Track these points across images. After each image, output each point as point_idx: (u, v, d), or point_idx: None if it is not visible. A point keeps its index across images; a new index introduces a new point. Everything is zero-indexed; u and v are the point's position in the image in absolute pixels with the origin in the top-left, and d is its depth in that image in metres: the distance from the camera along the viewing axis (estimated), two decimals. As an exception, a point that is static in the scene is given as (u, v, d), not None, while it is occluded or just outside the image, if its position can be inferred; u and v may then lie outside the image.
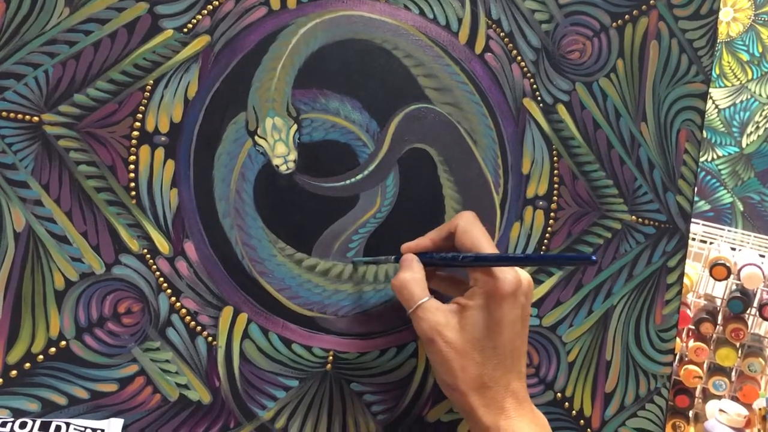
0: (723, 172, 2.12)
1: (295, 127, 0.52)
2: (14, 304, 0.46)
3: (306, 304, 0.52)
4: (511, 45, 0.57)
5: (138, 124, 0.49)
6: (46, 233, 0.47)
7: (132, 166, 0.49)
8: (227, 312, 0.50)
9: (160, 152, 0.49)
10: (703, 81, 0.61)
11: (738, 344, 1.34)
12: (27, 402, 0.46)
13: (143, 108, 0.49)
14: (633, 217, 0.59)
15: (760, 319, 1.35)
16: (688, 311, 1.35)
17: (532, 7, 0.57)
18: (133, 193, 0.49)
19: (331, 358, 0.52)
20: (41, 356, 0.47)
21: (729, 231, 1.62)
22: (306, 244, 0.52)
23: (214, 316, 0.50)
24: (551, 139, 0.57)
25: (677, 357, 1.37)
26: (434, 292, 0.48)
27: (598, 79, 0.59)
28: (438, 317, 0.46)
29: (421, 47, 0.55)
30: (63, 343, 0.47)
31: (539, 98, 0.57)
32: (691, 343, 1.34)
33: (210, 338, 0.50)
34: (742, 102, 2.10)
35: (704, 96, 0.61)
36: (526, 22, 0.57)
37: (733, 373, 1.39)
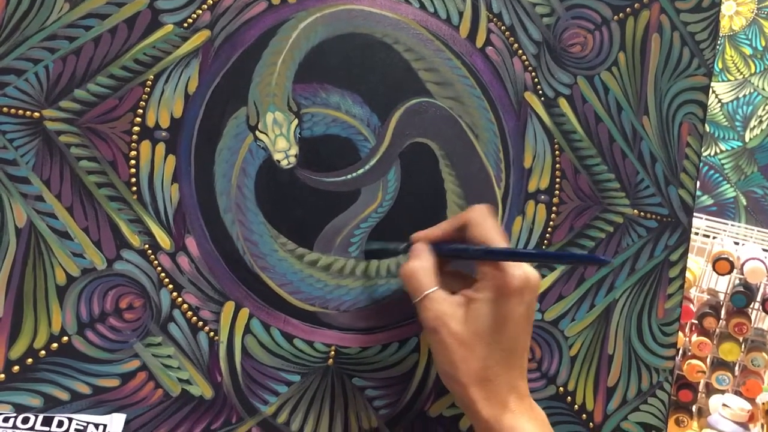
0: (726, 166, 2.12)
1: (295, 121, 0.52)
2: (16, 299, 0.47)
3: (308, 299, 0.52)
4: (512, 38, 0.56)
5: (138, 119, 0.49)
6: (48, 229, 0.47)
7: (133, 162, 0.49)
8: (229, 307, 0.50)
9: (160, 147, 0.49)
10: (705, 74, 0.61)
11: (741, 339, 1.33)
12: (29, 397, 0.46)
13: (144, 103, 0.49)
14: (635, 210, 0.59)
15: (763, 314, 1.35)
16: (691, 306, 1.35)
17: (534, 1, 0.57)
18: (134, 188, 0.49)
19: (332, 353, 0.52)
20: (43, 352, 0.47)
21: (732, 225, 1.62)
22: (307, 239, 0.52)
23: (216, 311, 0.50)
24: (553, 133, 0.57)
25: (680, 352, 1.37)
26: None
27: (599, 73, 0.58)
28: (444, 307, 0.45)
29: (421, 41, 0.54)
30: (65, 338, 0.47)
31: (541, 92, 0.57)
32: (695, 337, 1.34)
33: (212, 333, 0.50)
34: (745, 96, 2.09)
35: (706, 89, 0.61)
36: (527, 15, 0.57)
37: (737, 368, 1.39)
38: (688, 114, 0.60)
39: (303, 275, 0.52)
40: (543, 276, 0.57)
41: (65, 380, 0.47)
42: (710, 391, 1.39)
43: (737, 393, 1.34)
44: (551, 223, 0.57)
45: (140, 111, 0.49)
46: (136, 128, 0.49)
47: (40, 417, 0.45)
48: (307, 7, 0.52)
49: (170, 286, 0.49)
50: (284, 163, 0.51)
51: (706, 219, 1.59)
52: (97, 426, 0.46)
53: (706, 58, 0.61)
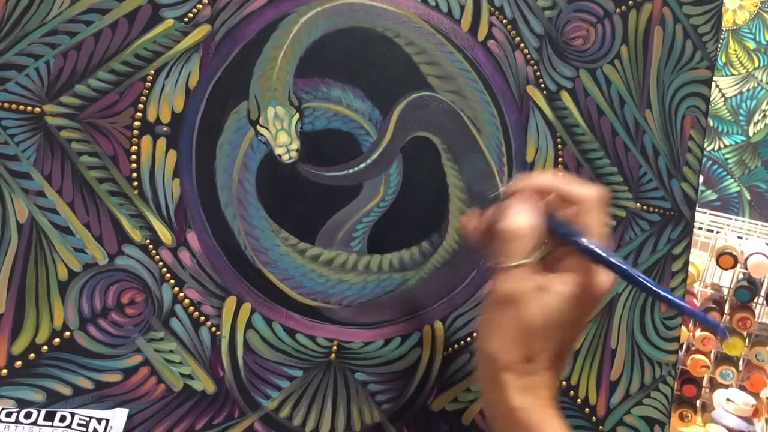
0: (730, 161, 2.11)
1: (297, 116, 0.52)
2: (18, 295, 0.47)
3: (310, 294, 0.52)
4: (514, 32, 0.56)
5: (139, 114, 0.49)
6: (49, 224, 0.47)
7: (134, 157, 0.49)
8: (231, 302, 0.50)
9: (161, 142, 0.49)
10: (708, 67, 0.60)
11: (745, 333, 1.33)
12: (32, 392, 0.46)
13: (144, 98, 0.49)
14: (638, 204, 0.59)
15: (768, 308, 1.35)
16: (694, 300, 1.34)
17: (535, -6, 0.57)
18: (135, 183, 0.49)
19: (335, 347, 0.52)
20: (45, 347, 0.47)
21: (736, 220, 1.61)
22: (309, 234, 0.52)
23: (218, 306, 0.50)
24: (555, 127, 0.57)
25: (684, 346, 1.36)
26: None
27: (602, 66, 0.58)
28: (528, 285, 0.41)
29: (423, 35, 0.54)
30: (67, 333, 0.47)
31: (543, 85, 0.57)
32: (698, 332, 1.34)
33: (213, 328, 0.50)
34: (748, 90, 2.09)
35: (709, 82, 0.61)
36: (529, 8, 0.56)
37: (741, 363, 1.39)
38: (690, 107, 0.60)
39: (305, 270, 0.52)
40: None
41: (67, 375, 0.47)
42: (714, 385, 1.39)
43: (741, 388, 1.34)
44: (554, 217, 0.57)
45: (141, 106, 0.49)
46: (137, 123, 0.49)
47: (43, 412, 0.45)
48: (308, 1, 0.52)
49: (172, 281, 0.49)
50: (285, 157, 0.51)
51: (710, 214, 1.59)
52: (99, 421, 0.46)
53: (709, 50, 0.60)
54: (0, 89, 0.47)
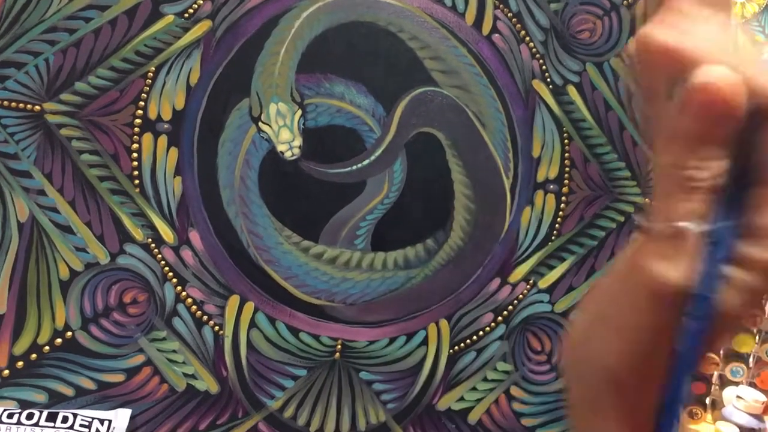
0: (739, 156, 2.09)
1: (299, 112, 0.51)
2: (19, 295, 0.46)
3: (313, 293, 0.51)
4: (519, 25, 0.55)
5: (140, 111, 0.48)
6: (50, 223, 0.47)
7: (135, 155, 0.48)
8: (233, 301, 0.50)
9: (163, 140, 0.49)
10: (718, 59, 0.59)
11: (755, 330, 1.32)
12: (34, 393, 0.46)
13: (145, 95, 0.48)
14: (646, 199, 0.58)
15: (778, 304, 1.34)
16: (704, 297, 1.33)
17: (541, -13, 0.56)
18: (137, 181, 0.48)
19: (339, 346, 0.52)
20: (47, 347, 0.46)
21: (745, 215, 1.60)
22: (312, 232, 0.51)
23: (221, 305, 0.49)
24: (562, 122, 0.56)
25: (693, 343, 1.35)
26: None
27: (609, 59, 0.57)
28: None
29: (426, 29, 0.53)
30: (69, 333, 0.47)
31: (549, 80, 0.56)
32: (708, 329, 1.32)
33: (216, 327, 0.49)
34: (758, 84, 2.07)
35: (719, 75, 0.59)
36: (534, 1, 0.56)
37: (751, 360, 1.38)
38: (700, 100, 0.59)
39: (308, 268, 0.51)
40: (552, 267, 0.56)
41: (70, 376, 0.47)
42: (724, 383, 1.38)
43: (751, 385, 1.33)
44: (561, 213, 0.56)
45: (142, 103, 0.48)
46: (138, 121, 0.48)
47: (45, 413, 0.45)
48: (310, -5, 0.51)
49: (174, 280, 0.49)
50: (288, 154, 0.51)
51: (719, 209, 1.57)
52: (102, 421, 0.46)
53: (719, 43, 0.59)
54: (-1, 87, 0.46)
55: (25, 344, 0.46)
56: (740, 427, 1.21)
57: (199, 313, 0.49)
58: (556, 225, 0.56)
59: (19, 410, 0.45)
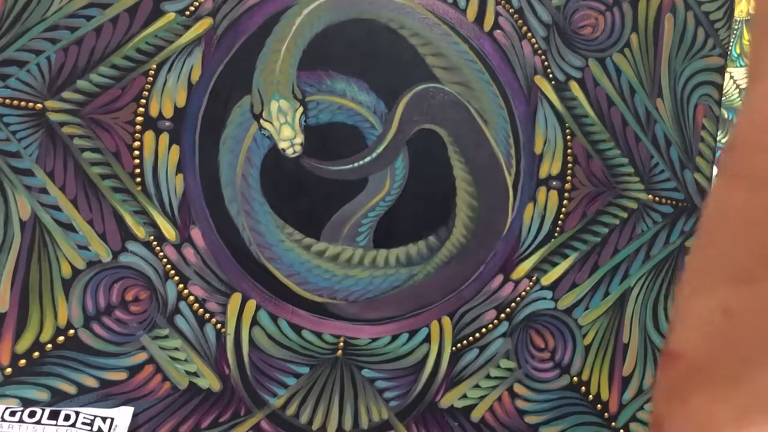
0: (744, 153, 2.08)
1: (300, 109, 0.51)
2: (22, 293, 0.46)
3: (315, 290, 0.51)
4: (521, 21, 0.55)
5: (142, 109, 0.48)
6: (52, 221, 0.47)
7: (137, 152, 0.48)
8: (236, 299, 0.50)
9: (164, 138, 0.49)
10: (721, 55, 0.59)
11: (761, 327, 1.31)
12: (36, 391, 0.46)
13: (147, 93, 0.49)
14: (650, 196, 0.58)
15: (784, 302, 1.33)
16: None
17: (543, -18, 0.56)
18: (139, 179, 0.48)
19: (341, 344, 0.52)
20: (49, 345, 0.46)
21: (751, 213, 1.60)
22: (314, 229, 0.51)
23: (223, 303, 0.49)
24: (564, 118, 0.56)
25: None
26: None
27: (611, 55, 0.57)
28: None
29: (428, 26, 0.53)
30: (71, 331, 0.47)
31: (551, 75, 0.56)
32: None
33: (219, 325, 0.49)
34: (763, 81, 2.06)
35: (722, 70, 0.59)
36: (536, -3, 0.55)
37: (757, 357, 1.37)
38: (703, 96, 0.59)
39: (310, 265, 0.51)
40: (555, 264, 0.55)
41: (72, 374, 0.47)
42: (730, 380, 1.37)
43: None
44: (563, 209, 0.56)
45: (143, 101, 0.48)
46: (140, 118, 0.48)
47: (47, 411, 0.45)
48: (311, -8, 0.51)
49: (176, 278, 0.49)
50: (289, 151, 0.51)
51: (725, 206, 1.57)
52: (104, 419, 0.46)
53: (721, 38, 0.59)
54: (1, 86, 0.46)
55: (28, 342, 0.46)
56: None
57: (201, 310, 0.49)
58: (559, 221, 0.56)
59: (21, 408, 0.45)
